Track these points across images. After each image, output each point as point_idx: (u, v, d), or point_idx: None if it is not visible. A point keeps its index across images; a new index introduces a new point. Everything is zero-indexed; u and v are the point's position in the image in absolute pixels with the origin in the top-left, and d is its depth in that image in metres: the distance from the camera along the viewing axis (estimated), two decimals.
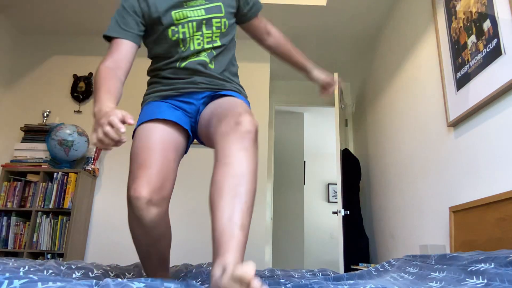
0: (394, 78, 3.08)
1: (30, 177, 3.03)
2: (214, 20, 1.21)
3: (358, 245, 3.42)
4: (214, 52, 1.24)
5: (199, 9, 1.20)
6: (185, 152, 1.28)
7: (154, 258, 1.19)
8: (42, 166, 3.07)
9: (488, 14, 1.81)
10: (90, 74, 3.58)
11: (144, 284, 0.59)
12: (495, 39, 1.74)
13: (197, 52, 1.22)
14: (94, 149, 3.24)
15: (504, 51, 1.68)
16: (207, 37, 1.21)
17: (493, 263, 0.73)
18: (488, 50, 1.80)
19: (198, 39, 1.20)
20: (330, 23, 3.40)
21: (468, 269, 0.75)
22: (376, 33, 3.54)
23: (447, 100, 2.16)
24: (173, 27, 1.18)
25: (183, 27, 1.18)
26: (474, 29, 1.92)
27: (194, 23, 1.19)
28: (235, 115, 1.01)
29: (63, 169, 3.05)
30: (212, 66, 1.24)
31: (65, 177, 2.97)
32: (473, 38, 1.93)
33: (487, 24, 1.81)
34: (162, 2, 1.19)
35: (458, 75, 2.05)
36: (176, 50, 1.21)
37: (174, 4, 1.19)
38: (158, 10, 1.18)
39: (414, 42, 2.70)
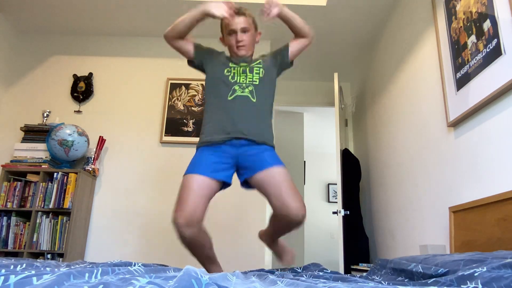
0: (394, 78, 3.08)
1: (30, 177, 3.03)
2: (255, 69, 1.92)
3: (358, 245, 3.42)
4: (253, 89, 1.87)
5: (245, 65, 1.94)
6: (224, 187, 1.85)
7: (202, 257, 1.80)
8: (42, 166, 3.07)
9: (488, 14, 1.80)
10: (90, 74, 3.58)
11: (147, 280, 0.59)
12: (495, 39, 1.74)
13: (240, 86, 1.86)
14: (94, 149, 3.24)
15: (504, 51, 1.68)
16: (249, 78, 1.90)
17: (485, 268, 0.72)
18: (488, 50, 1.80)
19: (242, 77, 1.89)
20: (330, 23, 3.40)
21: (460, 274, 0.74)
22: (376, 33, 3.54)
23: (447, 100, 2.16)
24: (227, 68, 1.91)
25: (234, 69, 1.91)
26: (474, 29, 1.92)
27: (241, 69, 1.91)
28: (289, 209, 1.67)
29: (63, 169, 3.05)
30: (254, 100, 1.85)
31: (65, 177, 2.97)
32: (473, 38, 1.93)
33: (487, 24, 1.81)
34: (224, 61, 1.95)
35: (458, 75, 2.05)
36: (226, 80, 1.88)
37: (232, 60, 1.95)
38: (222, 63, 1.94)
39: (414, 42, 2.70)
